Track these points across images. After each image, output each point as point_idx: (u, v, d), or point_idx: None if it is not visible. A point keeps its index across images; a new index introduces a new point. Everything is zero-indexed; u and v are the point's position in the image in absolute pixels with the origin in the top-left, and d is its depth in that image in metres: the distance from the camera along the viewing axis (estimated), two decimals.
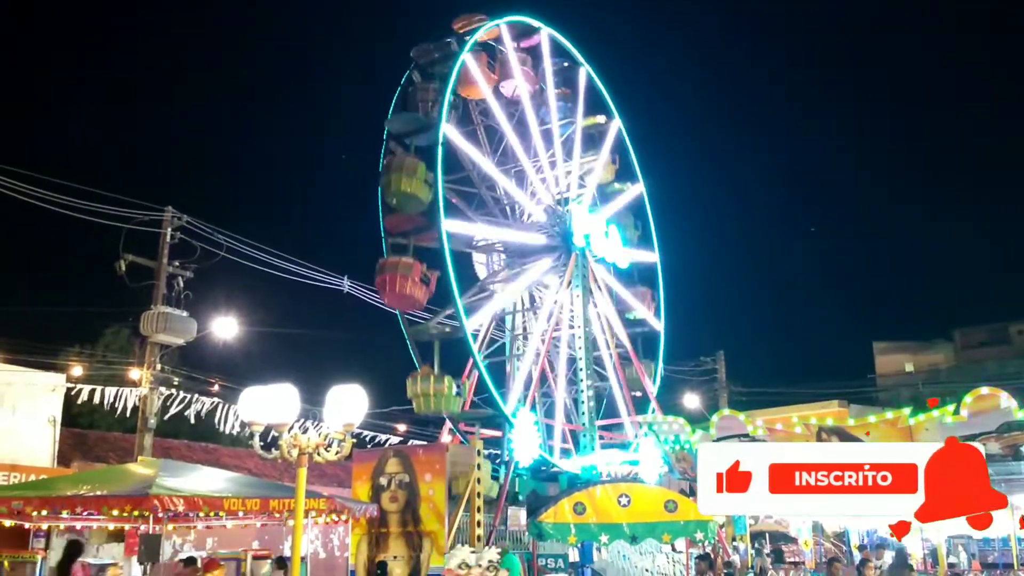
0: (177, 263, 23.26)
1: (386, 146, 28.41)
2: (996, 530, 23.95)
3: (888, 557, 22.03)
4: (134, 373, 23.23)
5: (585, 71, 34.32)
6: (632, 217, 36.37)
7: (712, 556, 20.34)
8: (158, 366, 22.81)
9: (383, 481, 22.35)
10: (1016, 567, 21.26)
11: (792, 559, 25.91)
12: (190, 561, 15.46)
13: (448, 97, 27.36)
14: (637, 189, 36.41)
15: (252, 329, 27.09)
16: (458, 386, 26.26)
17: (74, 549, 14.27)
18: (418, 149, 27.42)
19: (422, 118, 27.69)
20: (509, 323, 32.16)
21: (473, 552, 15.15)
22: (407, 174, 26.08)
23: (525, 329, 32.34)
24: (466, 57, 28.40)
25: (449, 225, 26.77)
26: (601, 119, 35.20)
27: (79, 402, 24.02)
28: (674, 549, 25.26)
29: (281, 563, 15.25)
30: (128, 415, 23.61)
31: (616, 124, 35.43)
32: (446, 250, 25.87)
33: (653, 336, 35.71)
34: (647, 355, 35.11)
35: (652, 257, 36.58)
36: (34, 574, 18.22)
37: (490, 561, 14.47)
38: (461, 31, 29.38)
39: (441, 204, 26.27)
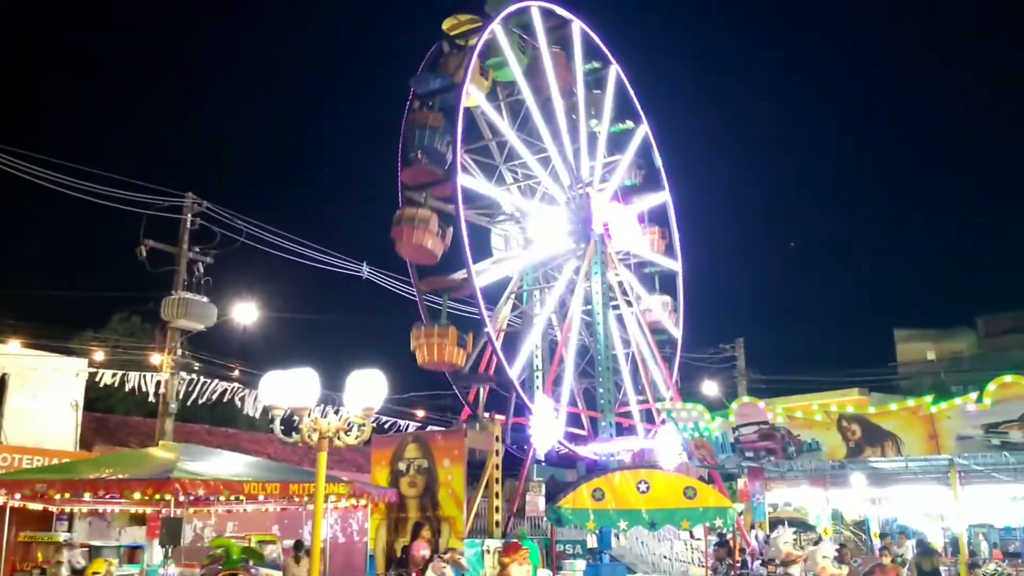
0: (197, 249, 23.39)
1: (402, 196, 28.14)
2: (1017, 519, 23.89)
3: (909, 545, 21.96)
4: (154, 358, 23.37)
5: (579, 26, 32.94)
6: (660, 229, 36.07)
7: (731, 543, 20.29)
8: (179, 351, 22.96)
9: (402, 466, 22.43)
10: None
11: (810, 547, 25.85)
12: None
13: (474, 60, 27.38)
14: (643, 130, 35.75)
15: (272, 315, 27.19)
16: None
17: (417, 529, 14.27)
18: (442, 109, 27.30)
19: (448, 78, 27.63)
20: (529, 306, 32.07)
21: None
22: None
23: (551, 326, 32.34)
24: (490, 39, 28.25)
25: (464, 180, 26.92)
26: (598, 64, 34.42)
27: (100, 386, 24.21)
28: (692, 536, 25.26)
29: (299, 546, 15.31)
30: (146, 400, 23.79)
31: (614, 69, 34.56)
32: (482, 306, 26.14)
33: (671, 276, 36.12)
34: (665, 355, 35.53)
35: (675, 266, 36.23)
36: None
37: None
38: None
39: (468, 251, 26.21)
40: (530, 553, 17.34)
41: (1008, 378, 17.66)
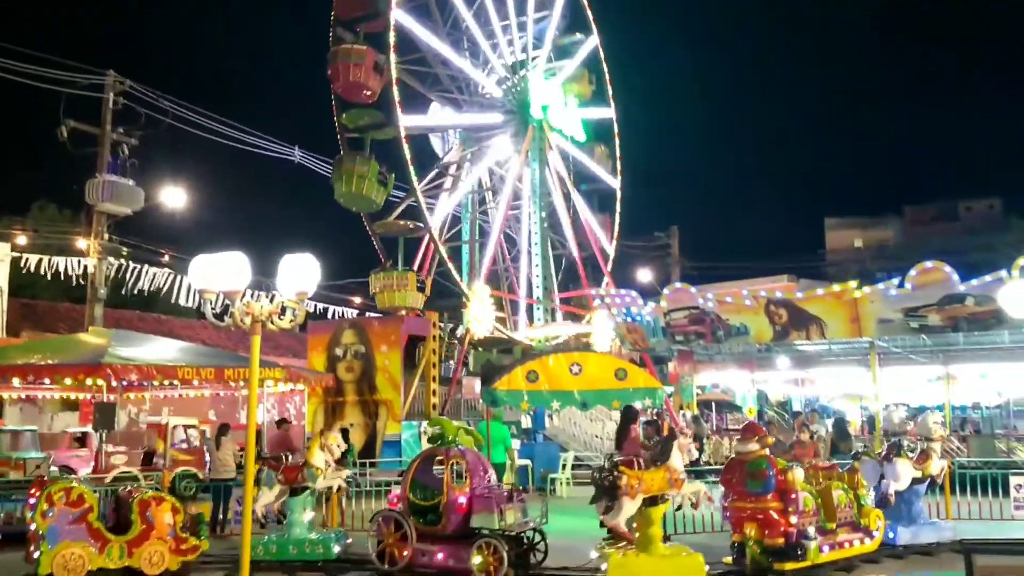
0: (121, 130, 22.54)
1: (334, 33, 26.82)
2: (932, 399, 25.09)
3: (824, 424, 22.93)
4: (80, 243, 22.77)
5: None
6: (588, 73, 35.47)
7: (660, 423, 20.96)
8: (106, 236, 22.38)
9: (339, 352, 22.57)
10: (948, 433, 22.33)
11: (735, 426, 26.88)
12: (282, 422, 15.35)
13: None
14: (592, 42, 35.40)
15: (201, 200, 26.60)
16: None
17: (631, 414, 13.66)
18: (367, 36, 26.18)
19: (376, 112, 26.32)
20: (467, 201, 31.95)
21: None
22: (359, 176, 25.13)
23: (483, 203, 32.25)
24: None
25: (406, 120, 26.18)
26: None
27: (25, 273, 23.59)
28: None
29: (223, 430, 15.00)
30: (74, 286, 23.25)
31: None
32: (405, 149, 25.49)
33: (610, 194, 35.84)
34: (604, 211, 35.37)
35: (608, 113, 36.16)
36: None
37: None
38: None
39: (396, 95, 25.55)
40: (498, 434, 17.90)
41: (929, 264, 18.29)
